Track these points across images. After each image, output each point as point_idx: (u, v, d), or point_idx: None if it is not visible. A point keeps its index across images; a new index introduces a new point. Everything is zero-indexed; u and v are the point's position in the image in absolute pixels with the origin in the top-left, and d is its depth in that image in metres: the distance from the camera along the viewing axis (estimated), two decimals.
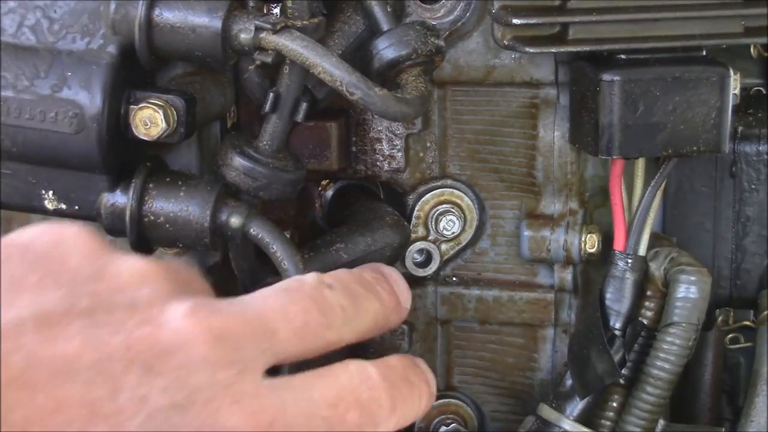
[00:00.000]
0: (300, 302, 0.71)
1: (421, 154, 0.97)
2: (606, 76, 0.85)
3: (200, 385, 0.64)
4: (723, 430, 0.98)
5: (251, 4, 0.81)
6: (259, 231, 0.82)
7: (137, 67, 0.80)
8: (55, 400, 0.60)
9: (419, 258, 0.99)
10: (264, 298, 0.71)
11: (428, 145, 0.97)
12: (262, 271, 0.88)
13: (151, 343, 0.64)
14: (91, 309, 0.65)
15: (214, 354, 0.65)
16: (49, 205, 0.83)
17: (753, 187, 0.96)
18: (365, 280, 0.78)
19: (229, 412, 0.64)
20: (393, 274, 0.84)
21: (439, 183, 0.98)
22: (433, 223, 0.98)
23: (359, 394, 0.70)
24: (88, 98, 0.79)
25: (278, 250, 0.82)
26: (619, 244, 0.91)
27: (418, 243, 0.98)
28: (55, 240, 0.69)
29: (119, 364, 0.63)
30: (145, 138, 0.81)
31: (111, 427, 0.62)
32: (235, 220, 0.82)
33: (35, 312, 0.63)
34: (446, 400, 1.02)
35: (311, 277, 0.74)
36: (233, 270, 0.89)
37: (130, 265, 0.68)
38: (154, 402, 0.63)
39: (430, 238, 0.98)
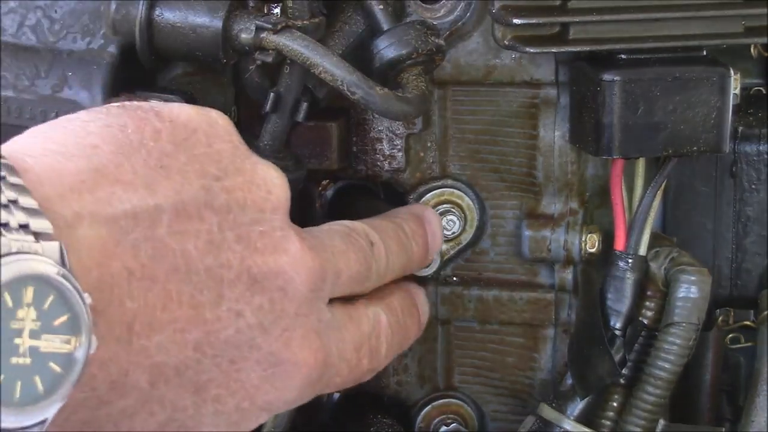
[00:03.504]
0: (357, 252, 0.77)
1: (422, 154, 0.97)
2: (606, 76, 0.86)
3: (287, 313, 0.68)
4: (723, 430, 0.98)
5: (251, 4, 0.81)
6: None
7: (137, 67, 0.80)
8: (167, 296, 0.62)
9: None
10: (331, 238, 0.76)
11: (429, 145, 0.97)
12: None
13: (264, 262, 0.67)
14: (224, 208, 0.66)
15: (307, 286, 0.70)
16: None
17: (753, 187, 0.96)
18: (401, 237, 0.84)
19: (299, 346, 0.70)
20: (433, 221, 0.90)
21: (439, 183, 0.98)
22: None
23: (372, 342, 0.78)
24: (88, 98, 0.79)
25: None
26: (619, 244, 0.91)
27: None
28: (204, 122, 0.69)
29: (231, 273, 0.65)
30: None
31: (204, 333, 0.64)
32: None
33: (174, 202, 0.63)
34: (446, 400, 1.02)
35: (362, 229, 0.80)
36: None
37: (263, 168, 0.71)
38: (247, 319, 0.66)
39: None
